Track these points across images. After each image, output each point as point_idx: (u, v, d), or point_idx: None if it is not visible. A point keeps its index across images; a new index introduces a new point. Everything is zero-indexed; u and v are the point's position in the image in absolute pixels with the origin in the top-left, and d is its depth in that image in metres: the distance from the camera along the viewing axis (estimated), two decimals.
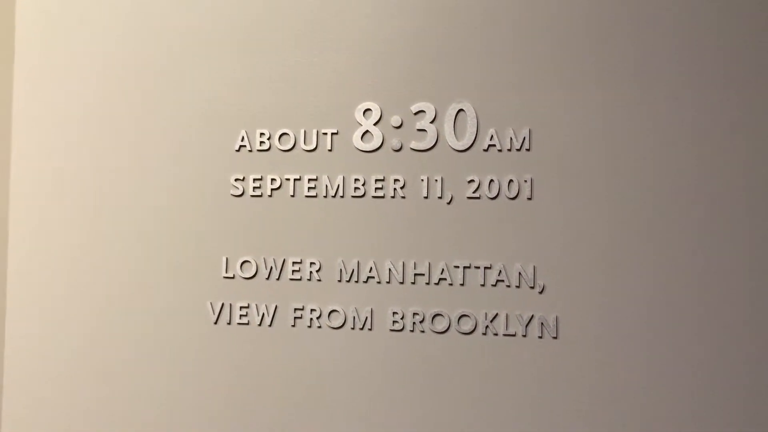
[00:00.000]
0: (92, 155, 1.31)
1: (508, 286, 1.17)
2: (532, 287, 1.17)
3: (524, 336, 1.17)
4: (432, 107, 1.21)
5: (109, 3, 1.33)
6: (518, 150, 1.18)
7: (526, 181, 1.18)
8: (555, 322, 1.16)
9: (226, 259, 1.25)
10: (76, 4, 1.34)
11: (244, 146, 1.26)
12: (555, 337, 1.16)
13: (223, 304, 1.25)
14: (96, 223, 1.30)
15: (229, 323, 1.24)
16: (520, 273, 1.17)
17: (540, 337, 1.16)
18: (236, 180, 1.26)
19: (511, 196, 1.18)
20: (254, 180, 1.25)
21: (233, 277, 1.25)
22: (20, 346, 1.32)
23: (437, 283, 1.19)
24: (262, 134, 1.26)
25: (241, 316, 1.24)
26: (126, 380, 1.28)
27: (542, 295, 1.16)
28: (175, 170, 1.28)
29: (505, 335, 1.17)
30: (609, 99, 1.16)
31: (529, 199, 1.18)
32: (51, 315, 1.31)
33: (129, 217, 1.29)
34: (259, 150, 1.26)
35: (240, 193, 1.25)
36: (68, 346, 1.30)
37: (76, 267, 1.31)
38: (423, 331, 1.20)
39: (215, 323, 1.25)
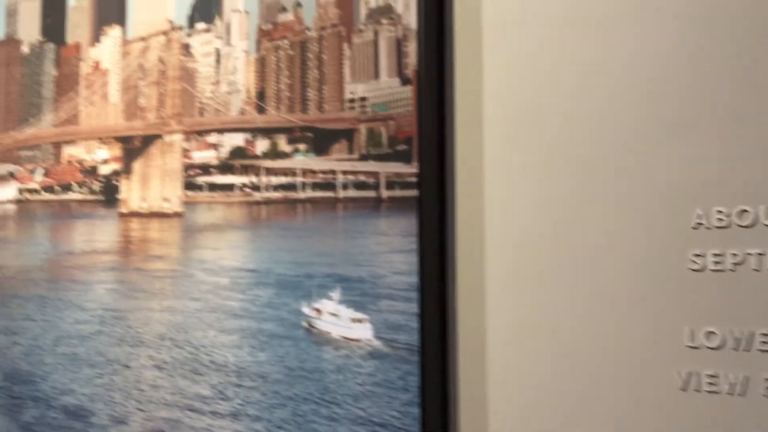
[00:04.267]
0: (556, 233, 1.51)
1: None
2: None
3: None
4: None
5: (560, 92, 1.52)
6: None
7: None
8: None
9: (691, 329, 1.34)
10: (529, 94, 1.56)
11: (701, 223, 1.35)
12: None
13: (690, 372, 1.34)
14: (562, 288, 1.49)
15: (697, 390, 1.33)
16: None
17: None
18: (695, 255, 1.35)
19: None
20: (714, 255, 1.33)
21: (698, 347, 1.33)
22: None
23: None
24: (719, 212, 1.33)
25: (708, 383, 1.32)
26: None
27: None
28: (636, 245, 1.41)
29: None
30: None
31: None
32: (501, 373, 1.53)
33: (595, 288, 1.45)
34: (717, 227, 1.33)
35: (700, 267, 1.34)
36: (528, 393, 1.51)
37: (543, 325, 1.50)
38: None
39: (683, 390, 1.34)
